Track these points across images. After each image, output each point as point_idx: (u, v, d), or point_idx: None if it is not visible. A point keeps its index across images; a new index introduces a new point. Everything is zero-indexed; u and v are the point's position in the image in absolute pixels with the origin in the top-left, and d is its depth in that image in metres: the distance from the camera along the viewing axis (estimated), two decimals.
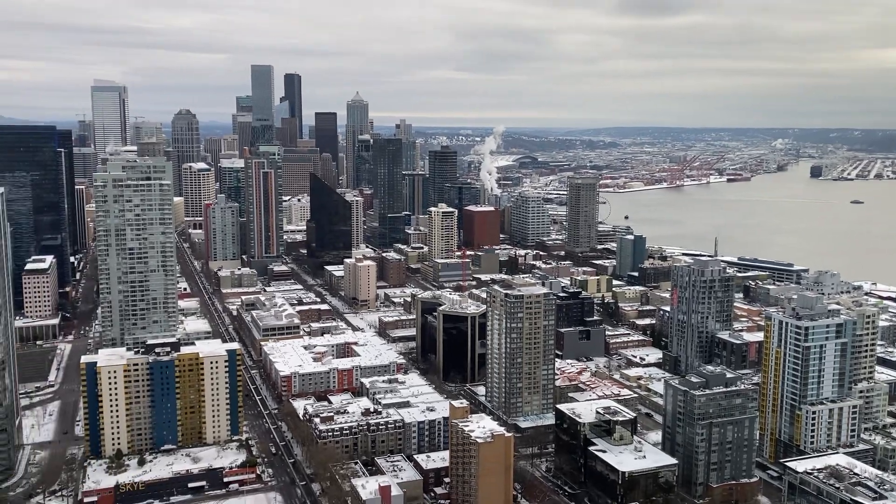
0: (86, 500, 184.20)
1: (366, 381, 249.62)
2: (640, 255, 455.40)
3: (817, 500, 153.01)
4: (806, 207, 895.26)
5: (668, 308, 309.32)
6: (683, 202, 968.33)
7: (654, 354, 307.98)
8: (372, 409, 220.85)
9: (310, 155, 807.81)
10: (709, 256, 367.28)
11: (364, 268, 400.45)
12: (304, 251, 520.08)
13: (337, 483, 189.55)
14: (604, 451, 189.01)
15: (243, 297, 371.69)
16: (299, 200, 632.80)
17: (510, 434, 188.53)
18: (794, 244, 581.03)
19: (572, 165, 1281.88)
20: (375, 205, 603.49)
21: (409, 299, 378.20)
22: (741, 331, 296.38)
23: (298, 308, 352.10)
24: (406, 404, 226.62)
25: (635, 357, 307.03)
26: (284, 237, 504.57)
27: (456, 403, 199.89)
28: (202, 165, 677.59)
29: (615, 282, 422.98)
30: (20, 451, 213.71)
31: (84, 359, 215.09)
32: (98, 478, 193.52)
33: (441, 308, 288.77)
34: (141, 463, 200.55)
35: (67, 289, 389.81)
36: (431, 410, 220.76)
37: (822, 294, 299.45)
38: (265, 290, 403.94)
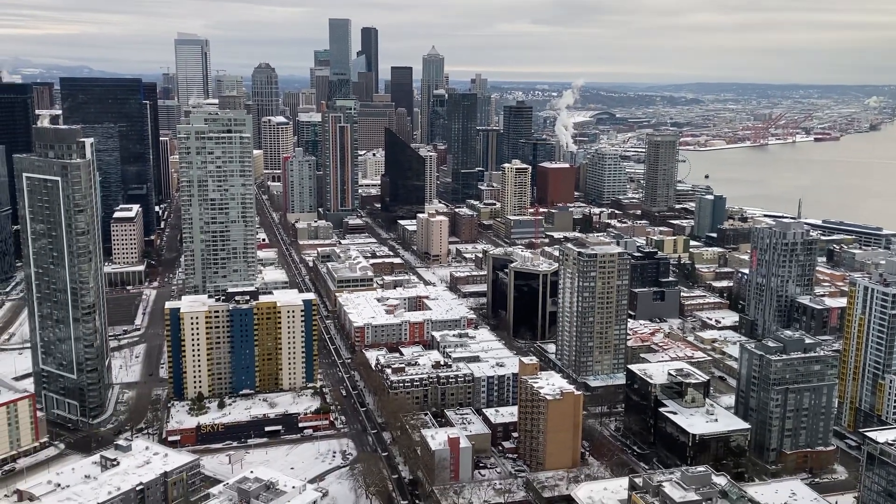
0: (170, 438, 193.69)
1: (436, 334, 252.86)
2: (719, 216, 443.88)
3: None
4: None
5: (746, 270, 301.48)
6: (767, 162, 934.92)
7: (731, 317, 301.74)
8: (442, 363, 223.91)
9: (385, 109, 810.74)
10: (791, 218, 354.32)
11: (437, 223, 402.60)
12: (378, 205, 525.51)
13: (407, 433, 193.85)
14: (674, 413, 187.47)
15: (319, 249, 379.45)
16: (374, 155, 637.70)
17: (579, 392, 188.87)
18: (883, 208, 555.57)
19: (651, 122, 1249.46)
20: (449, 160, 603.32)
21: (480, 255, 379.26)
22: (823, 296, 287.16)
23: (372, 261, 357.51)
24: (476, 359, 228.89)
25: (710, 319, 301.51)
26: (359, 191, 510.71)
27: (526, 360, 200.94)
28: (281, 119, 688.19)
29: (692, 242, 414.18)
30: (110, 390, 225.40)
31: (168, 304, 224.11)
32: (181, 418, 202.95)
33: (512, 265, 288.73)
34: (221, 406, 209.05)
35: (152, 237, 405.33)
36: (501, 366, 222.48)
37: None
38: (340, 243, 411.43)
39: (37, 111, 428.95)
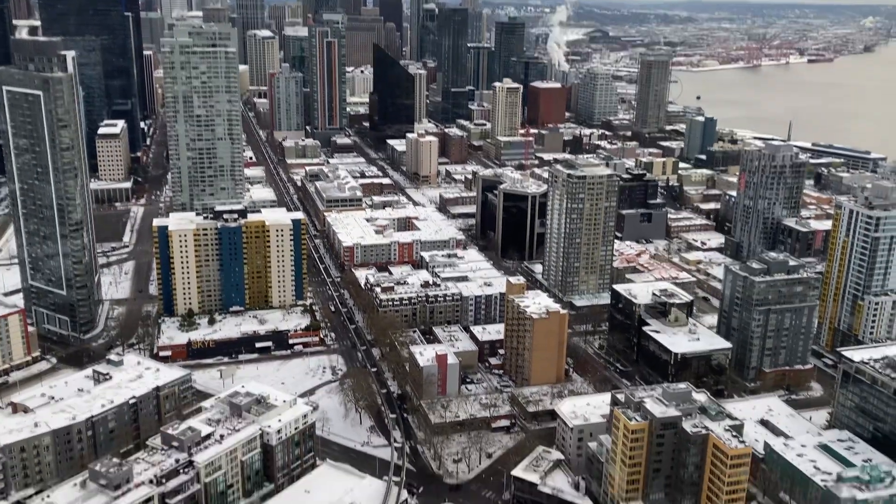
0: (161, 353, 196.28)
1: (426, 254, 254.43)
2: (709, 138, 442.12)
3: (871, 390, 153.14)
4: (891, 92, 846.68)
5: (734, 193, 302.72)
6: (759, 83, 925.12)
7: (717, 239, 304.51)
8: (431, 282, 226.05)
9: (373, 24, 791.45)
10: (781, 141, 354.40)
11: (426, 143, 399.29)
12: (367, 124, 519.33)
13: (396, 349, 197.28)
14: (657, 332, 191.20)
15: (307, 168, 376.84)
16: (362, 72, 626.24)
17: (565, 311, 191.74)
18: (873, 131, 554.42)
19: (645, 41, 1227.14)
20: (439, 78, 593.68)
21: (470, 176, 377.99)
22: (809, 219, 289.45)
23: (361, 181, 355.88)
24: (464, 279, 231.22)
25: (696, 241, 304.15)
26: (347, 109, 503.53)
27: (513, 279, 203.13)
28: (266, 33, 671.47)
29: (682, 164, 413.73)
30: (100, 307, 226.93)
31: (156, 222, 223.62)
32: (171, 334, 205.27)
33: (502, 186, 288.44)
34: (211, 322, 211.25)
35: (139, 154, 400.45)
36: (488, 285, 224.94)
37: None
38: (328, 162, 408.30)
39: (14, 21, 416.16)
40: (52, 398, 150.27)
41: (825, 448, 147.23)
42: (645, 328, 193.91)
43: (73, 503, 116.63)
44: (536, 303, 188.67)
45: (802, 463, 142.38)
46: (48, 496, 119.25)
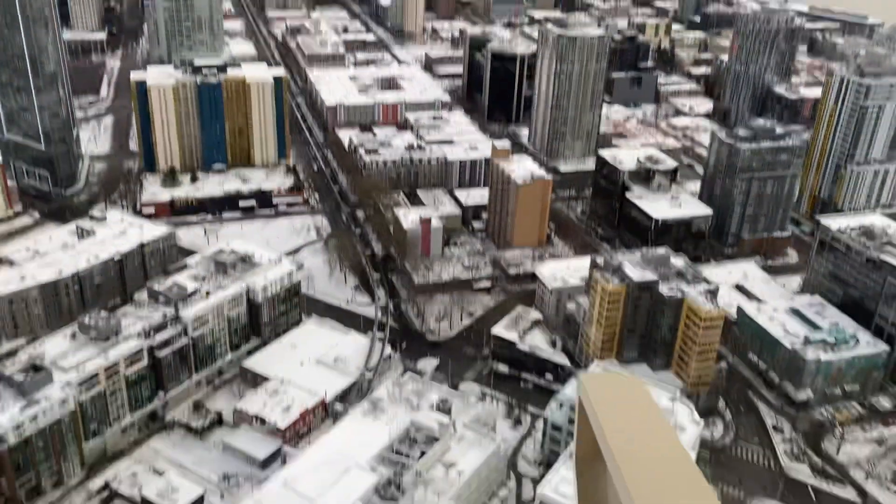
0: (144, 210, 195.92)
1: (410, 116, 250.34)
2: None
3: (845, 257, 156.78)
4: None
5: (726, 57, 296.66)
6: None
7: (706, 105, 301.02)
8: (415, 145, 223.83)
9: None
10: (777, 4, 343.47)
11: None
12: None
13: (380, 211, 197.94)
14: (640, 198, 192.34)
15: (288, 22, 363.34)
16: None
17: (549, 177, 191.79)
18: None
19: None
20: None
21: (457, 34, 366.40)
22: (799, 86, 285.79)
23: (344, 37, 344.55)
24: (449, 142, 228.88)
25: (685, 106, 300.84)
26: None
27: (498, 144, 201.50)
28: None
29: (675, 26, 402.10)
30: (80, 162, 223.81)
31: (133, 76, 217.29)
32: (154, 191, 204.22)
33: (490, 45, 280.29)
34: (193, 180, 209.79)
35: (111, 2, 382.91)
36: (474, 149, 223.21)
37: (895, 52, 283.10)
38: (310, 16, 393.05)
39: None
40: (37, 252, 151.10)
41: (795, 312, 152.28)
42: (627, 194, 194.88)
43: (65, 353, 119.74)
44: (521, 167, 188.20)
45: (773, 326, 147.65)
46: (39, 346, 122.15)
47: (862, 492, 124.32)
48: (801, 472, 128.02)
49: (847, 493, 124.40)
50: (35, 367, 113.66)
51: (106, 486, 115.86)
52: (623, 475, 3.65)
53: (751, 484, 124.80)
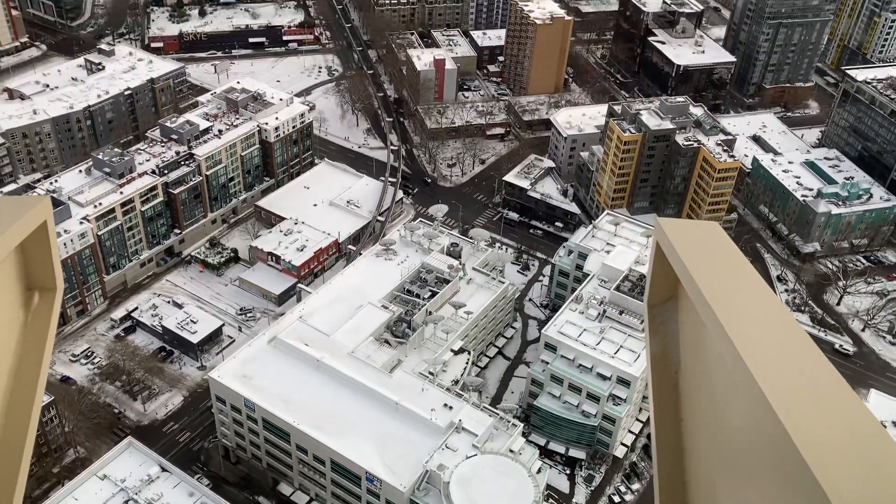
0: (152, 44, 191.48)
1: None
2: None
3: (868, 110, 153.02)
4: None
5: None
6: None
7: None
8: None
9: None
10: None
11: None
12: None
13: (393, 52, 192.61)
14: (662, 43, 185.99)
15: None
16: None
17: (570, 18, 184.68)
18: None
19: None
20: None
21: None
22: None
23: None
24: None
25: None
26: None
27: None
28: None
29: None
30: None
31: None
32: (162, 24, 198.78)
33: None
34: (202, 14, 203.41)
35: None
36: None
37: None
38: None
39: None
40: (48, 86, 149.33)
41: (811, 165, 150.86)
42: (650, 38, 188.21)
43: (81, 188, 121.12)
44: (541, 7, 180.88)
45: (786, 178, 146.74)
46: (56, 181, 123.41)
47: (858, 341, 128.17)
48: (801, 321, 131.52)
49: (843, 341, 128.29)
50: (54, 202, 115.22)
51: (128, 315, 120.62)
52: (714, 311, 3.62)
53: None
